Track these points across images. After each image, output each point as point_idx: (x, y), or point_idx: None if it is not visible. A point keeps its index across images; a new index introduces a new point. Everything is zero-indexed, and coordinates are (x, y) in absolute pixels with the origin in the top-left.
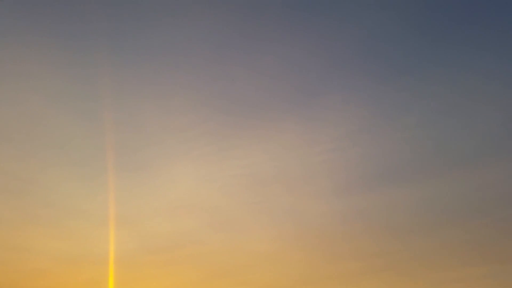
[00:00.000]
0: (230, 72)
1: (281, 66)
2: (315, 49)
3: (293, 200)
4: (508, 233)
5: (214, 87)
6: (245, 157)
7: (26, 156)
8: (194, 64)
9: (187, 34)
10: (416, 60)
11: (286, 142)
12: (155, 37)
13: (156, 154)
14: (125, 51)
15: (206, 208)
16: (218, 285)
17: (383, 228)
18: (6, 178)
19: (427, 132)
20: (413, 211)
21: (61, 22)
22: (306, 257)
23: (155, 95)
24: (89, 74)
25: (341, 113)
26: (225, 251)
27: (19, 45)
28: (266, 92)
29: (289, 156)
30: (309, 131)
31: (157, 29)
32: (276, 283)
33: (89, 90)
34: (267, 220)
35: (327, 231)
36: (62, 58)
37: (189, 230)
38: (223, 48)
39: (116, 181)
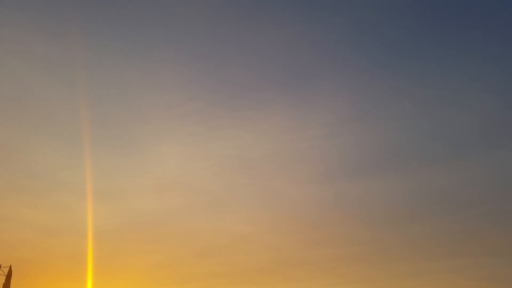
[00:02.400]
0: (222, 51)
1: (274, 48)
2: (309, 33)
3: (281, 184)
4: (484, 227)
5: (205, 65)
6: (234, 138)
7: (12, 124)
8: (185, 41)
9: (179, 11)
10: (409, 51)
11: (276, 125)
12: (147, 12)
13: (144, 130)
14: (115, 24)
15: (193, 187)
16: (201, 264)
17: (365, 217)
18: None
19: (416, 123)
20: (392, 202)
21: None
22: (288, 241)
23: (144, 71)
24: (79, 45)
25: (333, 99)
26: (210, 230)
27: (2, 8)
28: (258, 74)
29: (278, 140)
30: (300, 115)
31: (149, 3)
32: (257, 265)
33: (78, 61)
34: (254, 202)
35: (311, 217)
36: (50, 26)
37: (176, 209)
38: (216, 26)
39: (103, 156)
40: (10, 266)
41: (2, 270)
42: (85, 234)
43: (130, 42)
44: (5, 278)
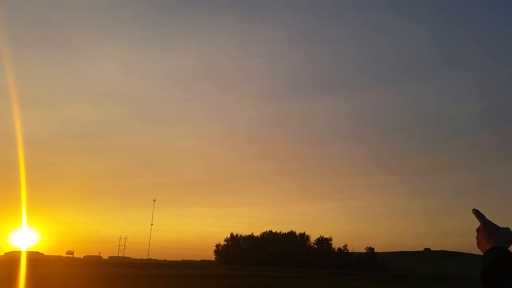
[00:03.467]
0: None
1: None
2: None
3: (224, 100)
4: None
5: None
6: (176, 49)
7: None
8: None
9: None
10: None
11: (221, 40)
12: None
13: (80, 33)
14: None
15: (133, 98)
16: (142, 175)
17: (305, 134)
18: None
19: (359, 46)
20: (333, 122)
21: None
22: (230, 155)
23: None
24: None
25: (281, 16)
26: (150, 143)
27: None
28: None
29: (223, 55)
30: (246, 31)
31: None
32: (197, 177)
33: None
34: (195, 117)
35: (254, 133)
36: None
37: (114, 120)
38: None
39: (33, 57)
40: None
41: None
42: (14, 141)
43: None
44: None
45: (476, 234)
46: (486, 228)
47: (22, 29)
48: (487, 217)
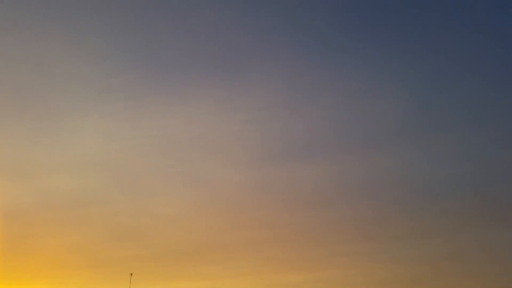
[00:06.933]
0: (155, 25)
1: (208, 28)
2: (244, 16)
3: (207, 167)
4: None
5: (136, 39)
6: (161, 117)
7: None
8: (115, 9)
9: None
10: (338, 45)
11: (206, 107)
12: None
13: (63, 103)
14: None
15: (115, 168)
16: (119, 247)
17: (287, 201)
18: None
19: (340, 113)
20: (317, 187)
21: None
22: (211, 224)
23: (67, 38)
24: None
25: (264, 84)
26: (130, 213)
27: None
28: (190, 53)
29: (207, 122)
30: (230, 99)
31: None
32: (177, 248)
33: None
34: (178, 185)
35: (236, 200)
36: None
37: (94, 189)
38: (148, 3)
39: (14, 128)
40: None
41: None
42: None
43: (51, 8)
44: None
45: None
46: None
47: (2, 98)
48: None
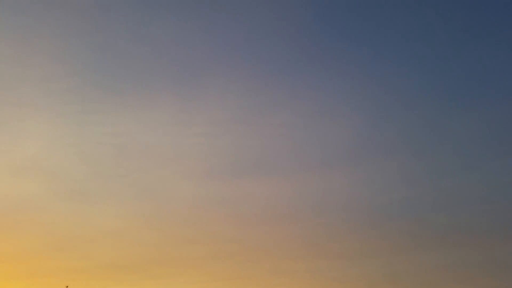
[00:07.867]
0: (112, 27)
1: (168, 38)
2: (206, 29)
3: (157, 178)
4: (341, 233)
5: (87, 39)
6: (112, 125)
7: None
8: (65, 10)
9: None
10: (295, 64)
11: (160, 118)
12: None
13: (7, 105)
14: None
15: (56, 174)
16: (56, 258)
17: (237, 216)
18: None
19: (294, 132)
20: (267, 204)
21: None
22: (157, 238)
23: (12, 38)
24: None
25: (220, 98)
26: (70, 222)
27: None
28: (146, 61)
29: (159, 133)
30: (185, 111)
31: None
32: (120, 261)
33: None
34: (126, 196)
35: (186, 214)
36: None
37: (32, 196)
38: (104, 4)
39: None
40: None
41: None
42: None
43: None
44: None
45: None
46: None
47: None
48: None
